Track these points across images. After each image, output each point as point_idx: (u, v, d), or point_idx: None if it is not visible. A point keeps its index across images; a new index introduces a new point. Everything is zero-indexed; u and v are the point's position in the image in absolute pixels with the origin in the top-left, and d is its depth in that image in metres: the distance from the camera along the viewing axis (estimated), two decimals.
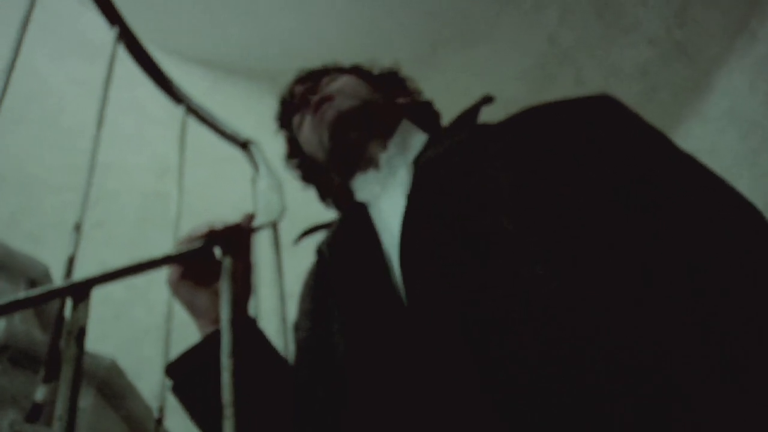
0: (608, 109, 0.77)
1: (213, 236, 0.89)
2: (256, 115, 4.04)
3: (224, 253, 0.90)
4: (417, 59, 3.28)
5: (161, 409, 1.25)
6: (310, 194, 1.49)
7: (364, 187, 0.94)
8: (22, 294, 0.65)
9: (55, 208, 3.13)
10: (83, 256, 3.14)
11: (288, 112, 1.09)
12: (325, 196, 1.11)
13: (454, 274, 0.64)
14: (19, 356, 1.26)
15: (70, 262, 1.42)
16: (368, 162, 0.95)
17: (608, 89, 2.65)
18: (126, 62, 1.84)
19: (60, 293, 0.70)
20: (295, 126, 1.06)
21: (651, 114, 2.54)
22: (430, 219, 0.70)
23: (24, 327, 1.27)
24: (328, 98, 0.96)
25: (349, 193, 1.02)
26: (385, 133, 0.95)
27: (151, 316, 3.06)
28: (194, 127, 1.81)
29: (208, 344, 0.85)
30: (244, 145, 1.67)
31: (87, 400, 1.31)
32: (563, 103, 0.80)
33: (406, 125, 0.97)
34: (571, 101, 0.80)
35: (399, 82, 1.10)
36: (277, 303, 1.13)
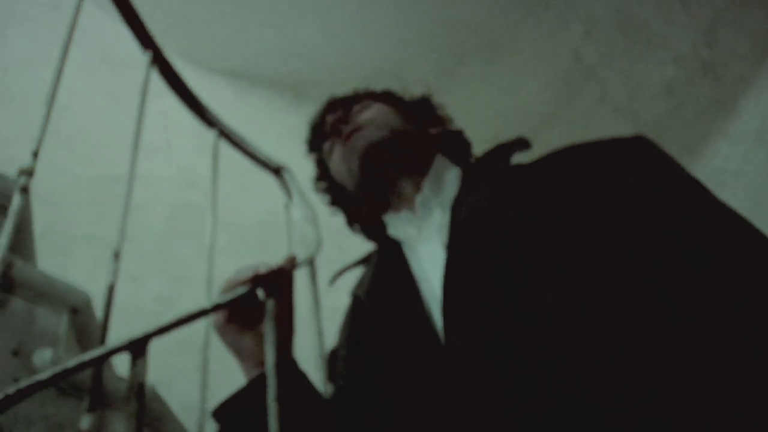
0: (644, 152, 0.77)
1: (258, 281, 0.91)
2: (280, 126, 4.09)
3: (268, 296, 0.93)
4: (440, 71, 3.30)
5: (200, 426, 1.29)
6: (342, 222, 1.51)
7: (398, 225, 0.93)
8: (86, 356, 0.68)
9: (84, 221, 3.18)
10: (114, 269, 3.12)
11: (318, 138, 1.09)
12: (352, 222, 1.11)
13: (496, 330, 0.65)
14: (64, 385, 1.30)
15: (110, 291, 1.46)
16: (401, 199, 0.95)
17: (633, 106, 2.66)
18: (143, 69, 1.87)
19: (119, 350, 0.73)
20: (325, 152, 1.06)
21: (676, 132, 2.55)
22: (471, 276, 0.71)
23: (68, 357, 1.31)
24: (359, 128, 0.96)
25: (379, 224, 1.02)
26: (418, 169, 0.94)
27: (181, 328, 3.09)
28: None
29: (254, 388, 0.88)
30: (276, 171, 1.71)
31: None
32: (598, 145, 0.80)
33: (439, 161, 0.96)
34: (607, 143, 0.80)
35: (431, 109, 1.09)
36: (314, 338, 1.16)
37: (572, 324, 0.62)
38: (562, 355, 0.61)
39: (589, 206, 0.71)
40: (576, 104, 2.82)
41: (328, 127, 1.03)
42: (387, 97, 1.06)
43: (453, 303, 0.70)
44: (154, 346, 2.57)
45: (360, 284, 0.93)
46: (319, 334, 1.18)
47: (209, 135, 1.73)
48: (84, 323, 1.50)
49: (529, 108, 3.08)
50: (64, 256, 3.06)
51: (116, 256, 1.49)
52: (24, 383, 0.61)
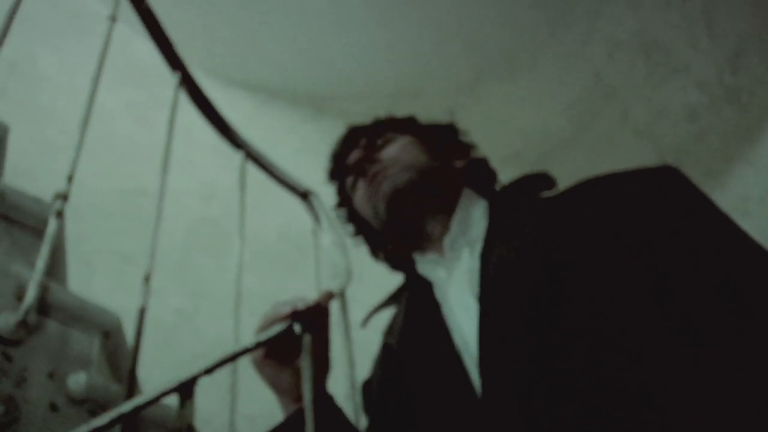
0: (673, 184, 0.76)
1: (296, 317, 0.93)
2: (298, 139, 4.11)
3: (305, 332, 0.94)
4: (460, 88, 3.31)
5: None
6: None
7: (427, 268, 0.93)
8: (140, 400, 0.70)
9: (106, 234, 3.22)
10: (136, 284, 3.19)
11: (340, 170, 1.06)
12: (376, 253, 1.10)
13: (533, 390, 0.66)
14: (97, 408, 1.32)
15: (142, 314, 1.48)
16: (428, 240, 0.93)
17: (655, 129, 2.66)
18: (167, 83, 1.90)
19: (169, 392, 0.74)
20: (348, 186, 1.05)
21: (699, 157, 2.54)
22: (506, 334, 0.71)
23: (102, 380, 1.33)
24: (383, 169, 0.94)
25: (406, 258, 1.02)
26: (444, 208, 0.93)
27: (199, 342, 3.14)
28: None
29: (292, 424, 0.89)
30: (304, 195, 1.73)
31: None
32: (626, 177, 0.79)
33: (466, 196, 0.94)
34: (634, 174, 0.79)
35: (455, 137, 1.07)
36: (346, 369, 1.18)
37: (608, 384, 0.62)
38: (600, 417, 0.61)
39: (619, 248, 0.70)
40: (596, 126, 2.83)
41: (351, 162, 1.01)
42: (410, 126, 1.04)
43: (490, 362, 0.70)
44: (172, 359, 2.59)
45: (391, 330, 0.93)
46: (350, 365, 1.19)
47: (230, 150, 1.75)
48: (115, 345, 1.53)
49: (549, 128, 3.09)
50: (86, 269, 3.09)
51: (147, 279, 1.51)
52: (103, 418, 0.63)
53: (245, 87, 4.27)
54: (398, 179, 0.92)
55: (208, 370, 0.80)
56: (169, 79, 1.82)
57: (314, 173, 3.90)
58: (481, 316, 0.73)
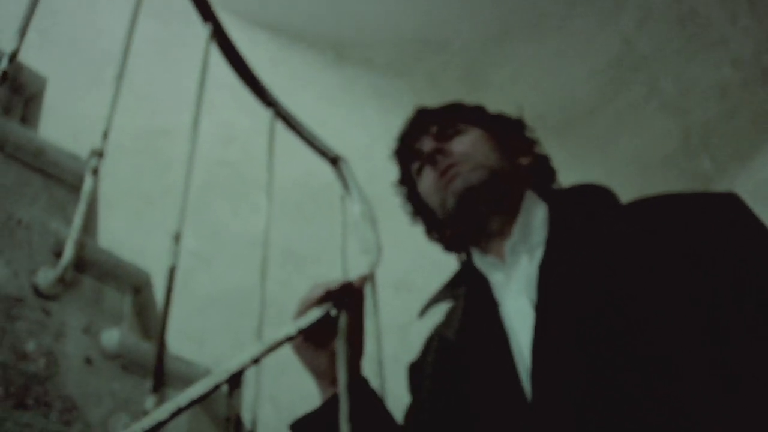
0: (734, 213, 0.77)
1: (330, 297, 0.96)
2: (320, 86, 4.08)
3: (339, 313, 0.97)
4: (486, 44, 3.26)
5: (254, 422, 1.35)
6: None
7: (485, 266, 0.94)
8: (193, 392, 0.73)
9: (126, 173, 3.23)
10: (154, 224, 3.26)
11: (409, 154, 1.07)
12: (431, 234, 1.12)
13: (585, 406, 0.68)
14: (129, 363, 1.37)
15: (172, 273, 1.51)
16: (488, 238, 0.95)
17: (683, 104, 2.63)
18: (190, 20, 1.86)
19: (220, 385, 0.78)
20: (413, 169, 1.06)
21: (726, 137, 2.53)
22: (560, 349, 0.73)
23: (134, 338, 1.37)
24: (455, 164, 0.95)
25: (463, 247, 1.05)
26: (508, 209, 0.94)
27: (216, 286, 3.19)
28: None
29: (330, 407, 0.93)
30: (333, 161, 1.73)
31: None
32: (689, 200, 0.80)
33: (529, 199, 0.95)
34: (697, 198, 0.80)
35: (521, 131, 1.07)
36: (374, 347, 1.21)
37: (659, 412, 0.64)
38: None
39: (679, 274, 0.72)
40: (622, 96, 2.80)
41: (423, 150, 1.02)
42: (480, 118, 1.04)
43: (542, 375, 0.72)
44: (189, 302, 2.62)
45: (448, 323, 0.95)
46: (378, 343, 1.23)
47: (249, 94, 1.75)
48: (145, 301, 1.57)
49: (574, 94, 3.06)
50: (105, 209, 3.12)
51: (176, 239, 1.53)
52: (161, 412, 0.66)
53: (267, 28, 4.21)
54: (471, 178, 0.94)
55: (255, 360, 0.83)
56: (193, 15, 1.79)
57: (334, 121, 3.87)
58: (537, 326, 0.76)
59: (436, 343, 0.96)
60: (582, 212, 0.87)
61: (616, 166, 2.80)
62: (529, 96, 3.29)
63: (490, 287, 0.91)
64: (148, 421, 0.66)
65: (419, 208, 1.10)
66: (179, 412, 0.69)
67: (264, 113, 1.85)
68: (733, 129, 2.32)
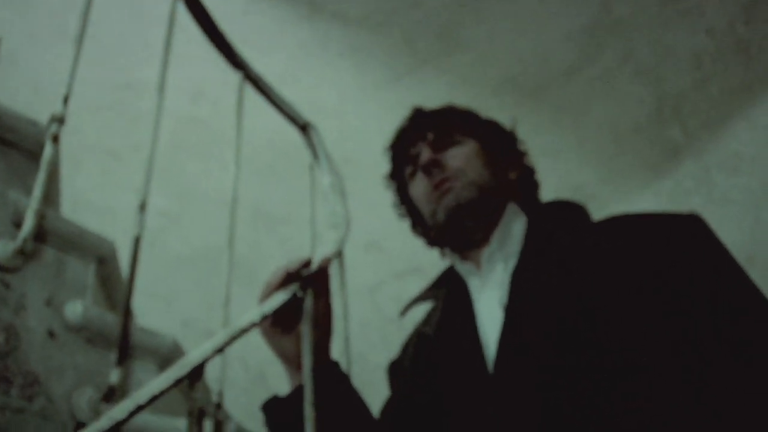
0: (697, 235, 0.83)
1: (294, 280, 0.95)
2: (293, 41, 3.98)
3: (305, 294, 0.97)
4: (461, 3, 3.19)
5: (221, 394, 1.35)
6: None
7: (464, 272, 0.99)
8: (154, 387, 0.72)
9: (93, 129, 3.15)
10: (117, 181, 3.19)
11: (403, 157, 1.10)
12: (416, 228, 1.16)
13: (543, 393, 0.74)
14: (93, 335, 1.35)
15: (137, 243, 1.49)
16: (469, 247, 1.00)
17: (658, 72, 2.62)
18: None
19: (181, 380, 0.77)
20: (406, 173, 1.10)
21: (697, 107, 2.53)
22: (524, 348, 0.78)
23: (98, 310, 1.35)
24: (449, 179, 0.99)
25: (443, 248, 1.08)
26: (491, 220, 0.98)
27: (185, 245, 3.16)
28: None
29: (298, 394, 0.93)
30: (303, 127, 1.70)
31: (149, 376, 1.42)
32: (655, 220, 0.86)
33: (510, 211, 1.00)
34: (663, 218, 0.86)
35: (513, 145, 1.11)
36: (341, 324, 1.21)
37: (613, 417, 0.69)
38: None
39: (642, 290, 0.77)
40: (598, 61, 2.77)
41: (420, 161, 1.04)
42: (475, 128, 1.07)
43: (505, 374, 0.79)
44: (158, 262, 2.59)
45: (427, 322, 1.00)
46: (346, 320, 1.22)
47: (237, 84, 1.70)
48: (109, 272, 1.54)
49: (549, 57, 3.03)
50: (72, 166, 3.05)
51: (142, 207, 1.50)
52: (120, 411, 0.65)
53: None
54: (462, 195, 0.98)
55: (219, 350, 0.81)
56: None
57: (307, 78, 3.78)
58: (504, 327, 0.81)
59: (415, 339, 1.00)
60: (557, 226, 0.93)
61: (588, 132, 2.80)
62: (504, 57, 3.26)
63: (468, 290, 0.96)
64: (106, 421, 0.65)
65: (408, 206, 1.14)
66: (138, 410, 0.68)
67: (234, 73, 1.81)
68: (704, 98, 2.32)
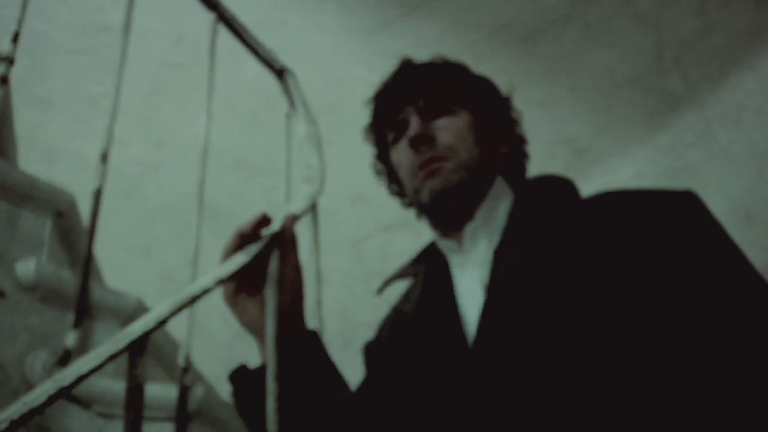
0: (691, 213, 0.77)
1: (253, 239, 0.87)
2: None
3: (269, 254, 0.88)
4: None
5: (187, 358, 1.27)
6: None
7: (445, 249, 0.91)
8: (83, 366, 0.63)
9: (67, 73, 3.01)
10: (93, 128, 3.09)
11: (387, 120, 0.97)
12: (392, 189, 1.04)
13: (519, 385, 0.69)
14: (48, 295, 1.26)
15: (98, 196, 1.39)
16: (451, 223, 0.91)
17: (659, 17, 2.49)
18: None
19: (119, 353, 0.68)
20: (389, 138, 0.97)
21: (699, 55, 2.41)
22: (503, 335, 0.73)
23: (53, 267, 1.26)
24: (438, 158, 0.88)
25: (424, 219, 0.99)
26: (476, 196, 0.90)
27: (163, 194, 3.05)
28: None
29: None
30: (279, 72, 1.59)
31: (111, 338, 1.33)
32: (648, 197, 0.80)
33: (498, 186, 0.92)
34: (657, 195, 0.80)
35: (508, 114, 1.00)
36: (313, 285, 1.12)
37: (590, 403, 0.65)
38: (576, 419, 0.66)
39: (626, 267, 0.72)
40: (595, 5, 2.63)
41: (404, 124, 0.93)
42: (470, 96, 0.95)
43: (484, 354, 0.74)
44: (135, 211, 2.48)
45: (407, 298, 0.92)
46: (318, 281, 1.14)
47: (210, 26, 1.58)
48: (69, 226, 1.44)
49: (545, 1, 2.89)
50: (44, 111, 2.92)
51: (104, 158, 1.40)
52: (37, 396, 0.56)
53: None
54: (451, 179, 0.88)
55: (162, 322, 0.72)
56: None
57: (294, 23, 3.63)
58: (484, 310, 0.76)
59: (392, 318, 0.93)
60: (544, 204, 0.86)
61: (584, 81, 2.69)
62: (498, 1, 3.12)
63: (449, 267, 0.89)
64: (18, 407, 0.56)
65: (387, 168, 1.02)
66: (61, 393, 0.59)
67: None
68: (707, 47, 2.20)
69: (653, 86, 2.38)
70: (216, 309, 2.92)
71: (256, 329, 0.87)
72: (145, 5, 3.50)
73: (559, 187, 0.89)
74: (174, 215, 2.91)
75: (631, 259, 0.72)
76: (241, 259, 0.85)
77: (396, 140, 0.94)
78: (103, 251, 2.94)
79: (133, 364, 0.67)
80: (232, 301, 0.86)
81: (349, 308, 3.06)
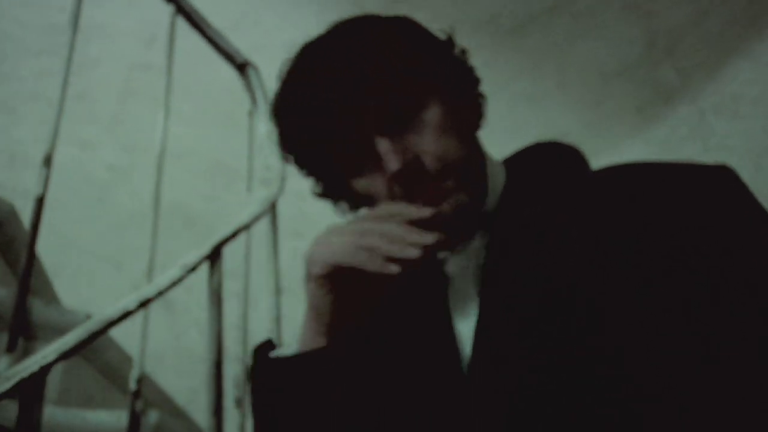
0: (728, 193, 0.61)
1: None
2: None
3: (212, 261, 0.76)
4: None
5: (139, 381, 1.15)
6: None
7: None
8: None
9: (32, 75, 2.88)
10: (63, 132, 2.94)
11: (326, 133, 0.66)
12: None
13: (521, 409, 0.57)
14: None
15: (39, 204, 1.27)
16: None
17: (649, 6, 2.37)
18: None
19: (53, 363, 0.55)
20: (340, 169, 0.68)
21: (693, 45, 2.30)
22: (504, 348, 0.59)
23: None
24: (435, 183, 0.64)
25: None
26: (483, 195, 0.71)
27: (136, 201, 2.92)
28: None
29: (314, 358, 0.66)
30: (241, 67, 1.47)
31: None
32: (674, 175, 0.62)
33: (491, 167, 0.72)
34: (686, 173, 0.62)
35: (473, 83, 0.74)
36: (272, 298, 1.00)
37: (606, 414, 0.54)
38: None
39: (653, 264, 0.57)
40: None
41: (365, 148, 0.64)
42: (428, 69, 0.67)
43: (482, 378, 0.60)
44: (107, 218, 2.35)
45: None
46: (277, 294, 1.02)
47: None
48: (9, 235, 1.32)
49: None
50: (8, 114, 2.79)
51: (47, 161, 1.28)
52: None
53: None
54: (460, 201, 0.65)
55: (63, 355, 0.60)
56: None
57: (270, 20, 3.52)
58: (479, 324, 0.61)
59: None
60: (545, 181, 0.69)
61: (572, 73, 2.58)
62: None
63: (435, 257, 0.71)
64: None
65: (350, 199, 0.73)
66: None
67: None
68: (701, 35, 2.10)
69: (645, 78, 2.27)
70: (193, 318, 2.79)
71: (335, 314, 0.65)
72: (117, 5, 3.38)
73: (563, 158, 0.72)
74: (146, 223, 2.78)
75: (659, 258, 0.57)
76: (172, 273, 0.74)
77: (355, 170, 0.67)
78: (70, 261, 2.81)
79: (23, 409, 0.55)
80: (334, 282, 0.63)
81: None
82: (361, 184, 0.67)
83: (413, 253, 0.57)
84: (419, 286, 0.72)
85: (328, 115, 0.63)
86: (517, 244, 0.63)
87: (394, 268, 0.56)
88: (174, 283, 0.71)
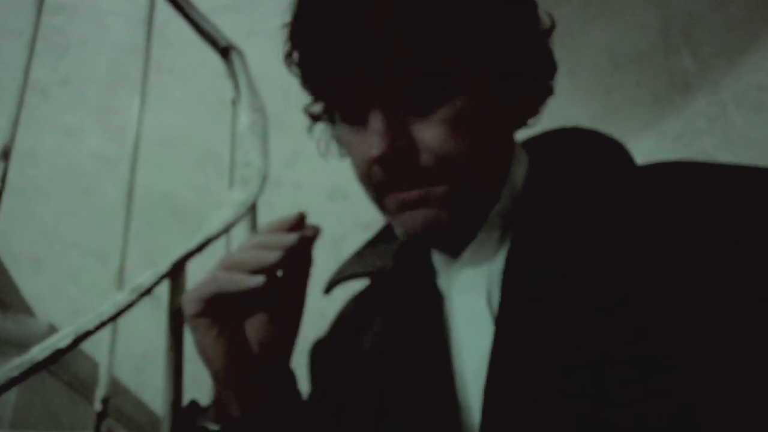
0: None
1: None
2: None
3: (173, 280, 0.64)
4: None
5: (105, 402, 1.03)
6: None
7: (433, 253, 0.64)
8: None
9: (14, 59, 2.74)
10: (46, 120, 2.81)
11: (331, 91, 0.57)
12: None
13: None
14: None
15: None
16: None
17: None
18: None
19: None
20: (336, 114, 0.59)
21: (713, 32, 2.16)
22: (525, 389, 0.48)
23: None
24: (422, 183, 0.54)
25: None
26: (488, 206, 0.60)
27: (123, 192, 2.79)
28: None
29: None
30: (224, 51, 1.35)
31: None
32: (748, 180, 0.50)
33: (516, 159, 0.61)
34: (752, 175, 0.50)
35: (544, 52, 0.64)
36: None
37: None
38: None
39: (717, 307, 0.45)
40: None
41: (362, 115, 0.55)
42: (475, 74, 0.54)
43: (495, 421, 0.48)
44: (93, 209, 2.23)
45: (367, 310, 0.65)
46: None
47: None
48: None
49: None
50: None
51: (5, 154, 1.16)
52: None
53: None
54: (439, 218, 0.55)
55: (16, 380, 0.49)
56: None
57: (269, 2, 3.41)
58: (494, 351, 0.50)
59: (352, 331, 0.66)
60: (580, 178, 0.57)
61: (583, 60, 2.48)
62: None
63: (433, 275, 0.60)
64: None
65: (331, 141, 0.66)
66: None
67: None
68: (722, 21, 2.00)
69: (659, 66, 2.17)
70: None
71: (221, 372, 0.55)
72: None
73: (602, 152, 0.59)
74: (134, 214, 2.67)
75: (726, 287, 0.46)
76: (121, 299, 0.62)
77: (347, 121, 0.57)
78: (53, 255, 2.70)
79: None
80: (194, 323, 0.54)
81: (327, 312, 2.83)
82: (343, 135, 0.58)
83: (274, 256, 0.52)
84: (401, 311, 0.61)
85: (343, 71, 0.52)
86: (552, 258, 0.51)
87: (257, 279, 0.51)
88: (121, 311, 0.59)
